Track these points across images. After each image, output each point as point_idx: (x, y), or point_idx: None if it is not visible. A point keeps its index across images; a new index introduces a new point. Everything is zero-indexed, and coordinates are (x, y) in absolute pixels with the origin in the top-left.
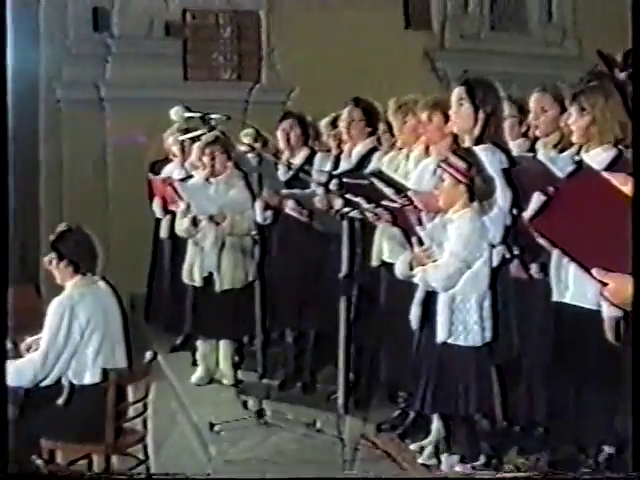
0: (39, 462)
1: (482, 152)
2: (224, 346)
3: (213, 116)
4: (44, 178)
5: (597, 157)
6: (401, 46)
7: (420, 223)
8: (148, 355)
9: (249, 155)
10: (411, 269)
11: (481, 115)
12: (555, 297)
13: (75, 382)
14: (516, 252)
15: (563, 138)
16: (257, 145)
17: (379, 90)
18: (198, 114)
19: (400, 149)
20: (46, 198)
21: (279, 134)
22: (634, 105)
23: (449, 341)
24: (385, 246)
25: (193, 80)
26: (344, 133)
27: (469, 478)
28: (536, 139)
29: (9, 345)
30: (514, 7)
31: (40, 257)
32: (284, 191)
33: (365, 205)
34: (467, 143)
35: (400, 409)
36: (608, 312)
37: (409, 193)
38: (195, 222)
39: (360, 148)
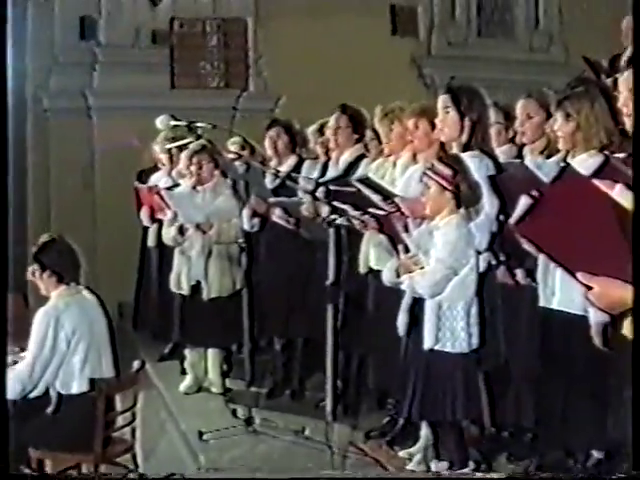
0: (27, 472)
1: (469, 159)
2: (212, 354)
3: (199, 124)
4: (31, 187)
5: (583, 163)
6: (388, 53)
7: (407, 230)
8: (136, 364)
9: (236, 163)
10: (398, 276)
11: (467, 122)
12: (542, 303)
13: (63, 392)
14: (502, 258)
15: (549, 144)
16: (244, 153)
17: (367, 97)
18: (184, 122)
19: (387, 156)
20: (34, 207)
21: (266, 142)
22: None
23: (436, 348)
24: (372, 253)
25: (180, 88)
26: (331, 140)
27: (465, 478)
28: (523, 145)
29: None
30: (501, 14)
31: (27, 266)
32: (271, 199)
33: (352, 212)
34: (455, 150)
35: (389, 416)
36: (595, 317)
37: (396, 199)
38: (182, 230)
39: (347, 155)
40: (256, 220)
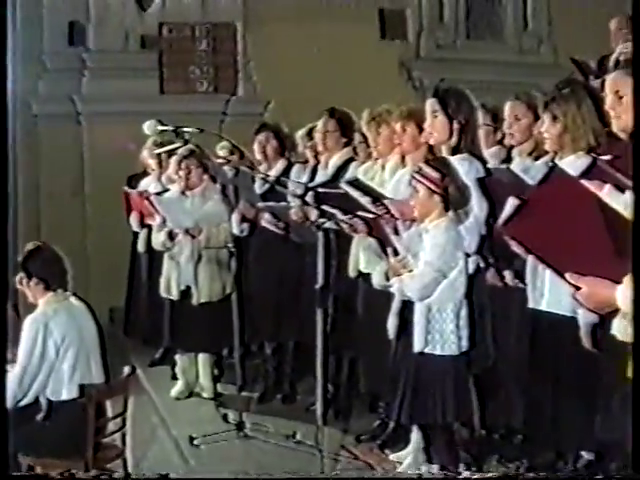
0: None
1: (459, 162)
2: (203, 359)
3: (186, 129)
4: (21, 193)
5: (571, 164)
6: (377, 56)
7: (396, 232)
8: (126, 370)
9: (225, 168)
10: (387, 279)
11: (456, 125)
12: (531, 304)
13: (53, 399)
14: (491, 261)
15: (537, 146)
16: (233, 158)
17: (356, 101)
18: (171, 127)
19: (376, 159)
20: (23, 213)
21: (255, 146)
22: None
23: (426, 350)
24: (361, 257)
25: (169, 93)
26: (319, 144)
27: (458, 478)
28: (511, 147)
29: None
30: (489, 16)
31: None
32: (260, 204)
33: (340, 216)
34: (444, 153)
35: (380, 419)
36: (584, 318)
37: (385, 201)
38: (171, 236)
39: (336, 159)
40: (245, 225)
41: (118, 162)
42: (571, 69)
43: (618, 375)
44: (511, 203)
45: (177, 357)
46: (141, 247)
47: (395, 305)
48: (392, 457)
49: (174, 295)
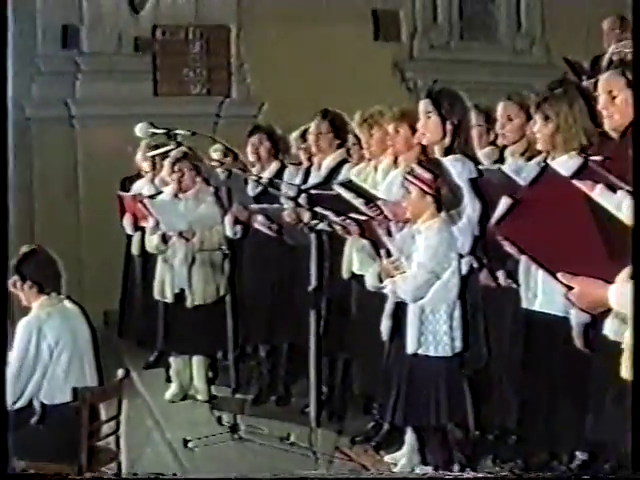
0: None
1: (452, 163)
2: (197, 362)
3: (178, 132)
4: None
5: (563, 165)
6: (371, 58)
7: (389, 234)
8: (120, 373)
9: (218, 170)
10: (380, 281)
11: (449, 126)
12: (524, 305)
13: (46, 402)
14: (485, 261)
15: (530, 146)
16: (227, 160)
17: (350, 102)
18: (163, 130)
19: (369, 161)
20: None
21: (249, 148)
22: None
23: (419, 352)
24: (355, 258)
25: (163, 95)
26: (313, 146)
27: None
28: (504, 147)
29: None
30: (483, 17)
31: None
32: (253, 206)
33: (333, 218)
34: (437, 154)
35: (374, 421)
36: (576, 318)
37: (379, 203)
38: (165, 238)
39: (329, 160)
40: (238, 227)
41: (112, 165)
42: (564, 69)
43: (611, 375)
44: (504, 203)
45: (171, 360)
46: (135, 250)
47: (388, 307)
48: (387, 458)
49: (168, 298)
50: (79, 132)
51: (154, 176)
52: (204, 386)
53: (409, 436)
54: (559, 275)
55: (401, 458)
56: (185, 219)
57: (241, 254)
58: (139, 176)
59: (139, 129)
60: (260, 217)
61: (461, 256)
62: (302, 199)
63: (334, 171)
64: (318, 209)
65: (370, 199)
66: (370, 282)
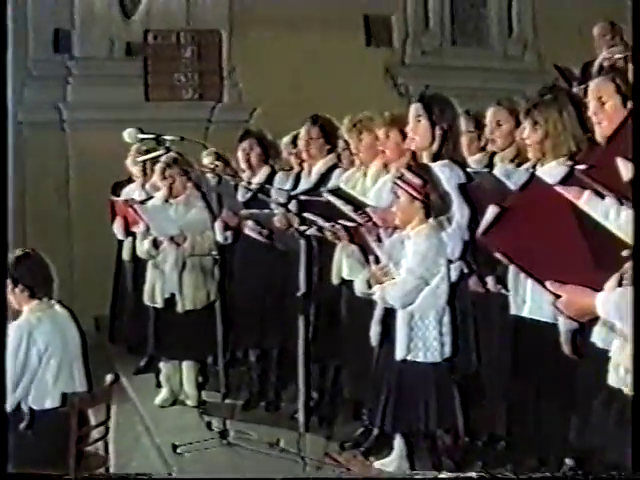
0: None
1: (440, 168)
2: (187, 367)
3: (167, 137)
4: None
5: (552, 171)
6: (363, 63)
7: (379, 240)
8: (109, 378)
9: (208, 175)
10: (370, 287)
11: (438, 131)
12: (513, 311)
13: (35, 407)
14: (474, 267)
15: (519, 152)
16: (218, 164)
17: (342, 107)
18: (152, 136)
19: (358, 166)
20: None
21: (239, 154)
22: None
23: (409, 358)
24: (345, 264)
25: (154, 100)
26: (303, 151)
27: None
28: (494, 153)
29: None
30: (475, 22)
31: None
32: (243, 211)
33: (323, 223)
34: (425, 159)
35: (363, 426)
36: (564, 325)
37: (368, 209)
38: (156, 243)
39: (320, 166)
40: (229, 232)
41: (103, 169)
42: (556, 75)
43: (598, 382)
44: (491, 212)
45: (161, 365)
46: (126, 255)
47: (377, 313)
48: (376, 464)
49: (158, 303)
50: (70, 136)
51: (145, 181)
52: (194, 391)
53: (398, 442)
54: (547, 283)
55: (390, 464)
56: (176, 224)
57: (232, 259)
58: (130, 181)
59: (127, 134)
60: (250, 222)
61: (450, 262)
62: (292, 205)
63: (324, 176)
64: (307, 215)
65: (359, 206)
66: (359, 288)
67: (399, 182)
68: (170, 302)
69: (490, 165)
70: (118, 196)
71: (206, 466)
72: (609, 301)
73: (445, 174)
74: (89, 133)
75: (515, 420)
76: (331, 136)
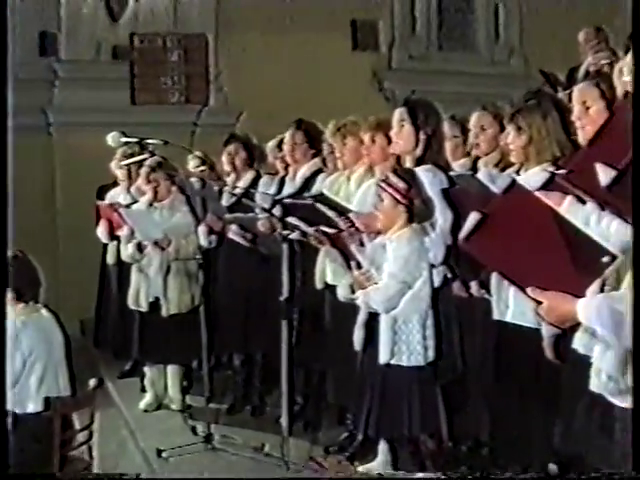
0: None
1: (423, 173)
2: (172, 371)
3: (150, 141)
4: None
5: (535, 176)
6: (349, 68)
7: (362, 245)
8: (92, 382)
9: (192, 179)
10: (353, 292)
11: (422, 136)
12: (496, 316)
13: (18, 411)
14: (458, 272)
15: (503, 157)
16: (204, 168)
17: (328, 112)
18: (135, 139)
19: (343, 169)
20: None
21: (224, 158)
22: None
23: (392, 362)
24: (328, 268)
25: (141, 104)
26: (288, 156)
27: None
28: (478, 158)
29: None
30: (461, 27)
31: None
32: (227, 215)
33: (305, 228)
34: (408, 164)
35: (348, 431)
36: (547, 330)
37: (351, 215)
38: (140, 247)
39: (305, 170)
40: (213, 237)
41: (89, 173)
42: (541, 80)
43: (581, 387)
44: (472, 218)
45: (146, 369)
46: (110, 259)
47: (361, 317)
48: (360, 469)
49: (143, 307)
50: (56, 140)
51: (130, 185)
52: (178, 396)
53: (382, 447)
54: (528, 290)
55: (375, 469)
56: (160, 228)
57: (216, 263)
58: (115, 184)
59: (111, 138)
60: (234, 227)
61: (433, 266)
62: (276, 209)
63: (309, 181)
64: (290, 219)
65: (342, 212)
66: (342, 293)
67: (383, 185)
68: (155, 306)
69: (474, 169)
70: (103, 200)
71: (191, 471)
72: (590, 307)
73: (428, 179)
74: (75, 136)
75: (498, 425)
76: (315, 141)
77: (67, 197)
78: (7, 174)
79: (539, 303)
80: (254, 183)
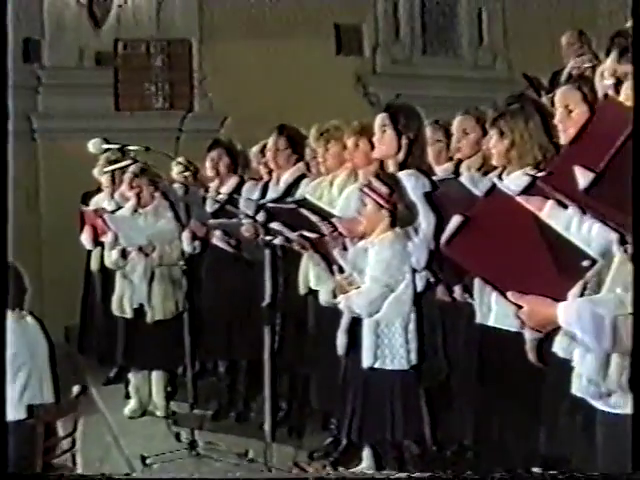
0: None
1: (406, 177)
2: (156, 377)
3: (132, 147)
4: None
5: (517, 180)
6: (333, 72)
7: (345, 249)
8: (75, 389)
9: (175, 185)
10: (335, 297)
11: (404, 141)
12: (479, 319)
13: None
14: (441, 276)
15: (485, 161)
16: (187, 174)
17: (313, 116)
18: (116, 146)
19: (326, 174)
20: None
21: (207, 163)
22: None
23: (376, 366)
24: (311, 273)
25: (125, 110)
26: (271, 162)
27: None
28: (460, 162)
29: None
30: (445, 31)
31: None
32: (211, 221)
33: (288, 233)
34: (391, 168)
35: (332, 436)
36: (529, 334)
37: (333, 220)
38: (124, 253)
39: (288, 176)
40: (197, 242)
41: (73, 179)
42: (525, 84)
43: (563, 390)
44: (454, 221)
45: (130, 375)
46: (94, 265)
47: (344, 322)
48: (345, 474)
49: (127, 313)
50: (41, 146)
51: (114, 191)
52: (163, 402)
53: (367, 452)
54: (509, 294)
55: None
56: (144, 234)
57: (199, 269)
58: (99, 191)
59: (92, 145)
60: (218, 232)
61: (415, 271)
62: (260, 214)
63: (292, 186)
64: (273, 225)
65: (325, 217)
66: (324, 298)
67: (366, 189)
68: (139, 312)
69: (457, 173)
70: (88, 206)
71: (175, 477)
72: (570, 311)
73: (411, 183)
74: (60, 142)
75: (482, 429)
76: (298, 146)
77: (51, 203)
78: (7, 177)
79: (520, 307)
80: (238, 189)
